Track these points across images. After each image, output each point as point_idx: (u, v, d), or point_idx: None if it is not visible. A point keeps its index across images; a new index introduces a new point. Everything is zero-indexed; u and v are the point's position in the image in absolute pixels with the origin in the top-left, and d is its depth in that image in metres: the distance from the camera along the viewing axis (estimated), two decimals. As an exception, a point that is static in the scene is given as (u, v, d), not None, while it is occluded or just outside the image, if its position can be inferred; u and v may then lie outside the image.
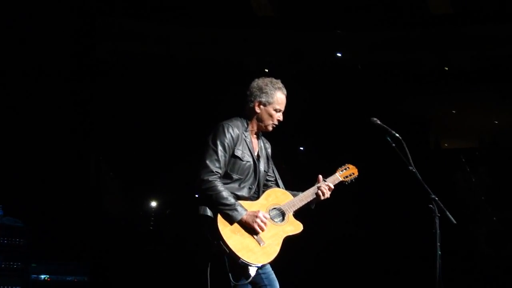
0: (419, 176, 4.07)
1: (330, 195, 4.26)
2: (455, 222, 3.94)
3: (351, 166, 4.46)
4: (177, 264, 7.74)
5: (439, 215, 3.94)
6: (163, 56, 8.86)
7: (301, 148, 9.46)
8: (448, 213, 3.95)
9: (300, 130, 8.30)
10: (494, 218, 8.60)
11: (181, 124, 8.49)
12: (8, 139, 7.07)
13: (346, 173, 4.42)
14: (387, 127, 4.20)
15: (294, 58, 8.83)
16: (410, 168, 4.10)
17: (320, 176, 4.30)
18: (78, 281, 6.39)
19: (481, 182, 9.06)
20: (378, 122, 4.26)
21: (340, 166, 4.44)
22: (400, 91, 9.13)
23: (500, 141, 10.21)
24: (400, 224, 8.00)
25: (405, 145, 4.09)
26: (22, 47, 7.28)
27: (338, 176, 4.38)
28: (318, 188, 4.22)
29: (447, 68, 9.04)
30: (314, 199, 4.23)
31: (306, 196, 4.21)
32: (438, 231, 3.92)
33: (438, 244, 3.91)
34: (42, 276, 6.37)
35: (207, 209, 3.91)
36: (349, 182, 4.42)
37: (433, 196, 3.98)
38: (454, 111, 10.07)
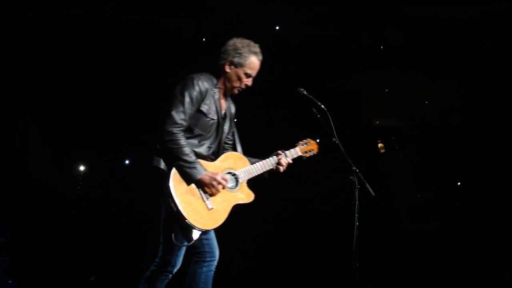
0: (342, 148, 4.11)
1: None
2: (374, 194, 4.01)
3: (312, 142, 4.39)
4: (102, 228, 7.68)
5: (358, 187, 4.00)
6: (98, 20, 8.64)
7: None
8: (367, 185, 4.02)
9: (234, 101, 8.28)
10: (418, 195, 8.84)
11: (113, 87, 8.34)
12: None
13: (306, 148, 4.35)
14: (313, 98, 4.20)
15: (231, 28, 8.75)
16: (334, 139, 4.13)
17: (281, 151, 4.22)
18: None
19: (408, 160, 9.28)
20: (305, 92, 4.24)
21: (302, 140, 4.37)
22: (335, 67, 9.18)
23: (429, 120, 10.44)
24: (323, 196, 8.12)
25: (330, 116, 4.11)
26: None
27: (298, 150, 4.31)
28: (279, 160, 4.15)
29: (382, 47, 9.12)
30: (270, 169, 4.16)
31: (264, 165, 4.13)
32: (357, 202, 3.99)
33: (356, 215, 3.98)
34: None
35: (161, 161, 3.80)
36: (308, 157, 4.36)
37: (354, 168, 4.04)
38: (386, 90, 10.20)
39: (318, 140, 4.38)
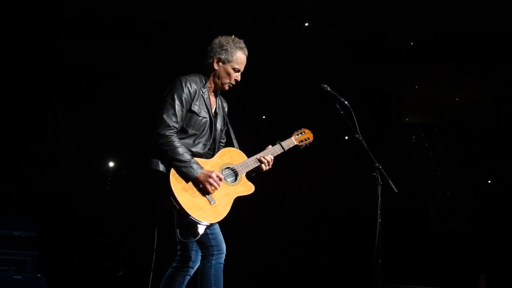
0: (365, 145, 4.10)
1: (278, 159, 4.30)
2: (396, 191, 3.99)
3: (306, 131, 4.50)
4: (127, 223, 7.73)
5: (381, 183, 3.99)
6: (129, 17, 8.71)
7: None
8: (390, 181, 4.00)
9: (261, 96, 8.32)
10: (448, 193, 8.75)
11: (144, 84, 8.39)
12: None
13: (301, 137, 4.46)
14: (336, 94, 4.21)
15: (260, 24, 8.74)
16: (357, 136, 4.13)
17: (278, 142, 4.35)
18: (25, 236, 6.33)
19: (437, 157, 9.17)
20: (328, 89, 4.27)
21: (296, 130, 4.48)
22: (365, 64, 9.13)
23: (459, 118, 10.31)
24: (347, 192, 8.08)
25: (353, 113, 4.11)
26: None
27: (294, 140, 4.42)
28: (261, 158, 4.23)
29: (412, 43, 9.04)
30: (255, 168, 4.24)
31: (260, 157, 4.23)
32: (380, 199, 3.97)
33: (379, 212, 3.96)
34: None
35: (159, 163, 3.91)
36: (304, 146, 4.47)
37: (377, 164, 4.02)
38: (417, 86, 10.11)
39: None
